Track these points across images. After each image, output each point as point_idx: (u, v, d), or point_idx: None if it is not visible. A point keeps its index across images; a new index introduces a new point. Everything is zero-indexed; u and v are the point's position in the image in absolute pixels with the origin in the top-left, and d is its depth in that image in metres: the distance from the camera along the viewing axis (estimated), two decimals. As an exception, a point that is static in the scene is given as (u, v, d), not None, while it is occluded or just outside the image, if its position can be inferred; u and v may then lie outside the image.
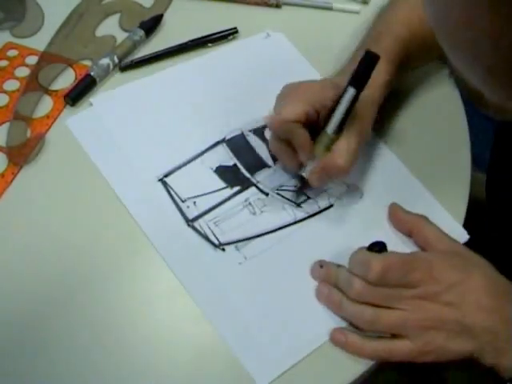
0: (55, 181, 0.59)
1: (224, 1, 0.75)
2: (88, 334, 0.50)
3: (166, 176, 0.60)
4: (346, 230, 0.58)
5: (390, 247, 0.52)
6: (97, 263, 0.54)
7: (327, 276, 0.53)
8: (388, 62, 0.59)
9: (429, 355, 0.49)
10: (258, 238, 0.57)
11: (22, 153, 0.60)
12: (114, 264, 0.54)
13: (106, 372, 0.49)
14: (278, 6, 0.75)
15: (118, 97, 0.65)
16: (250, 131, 0.63)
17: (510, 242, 0.68)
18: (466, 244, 0.57)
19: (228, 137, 0.63)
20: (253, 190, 0.59)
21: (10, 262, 0.54)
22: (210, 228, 0.57)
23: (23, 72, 0.66)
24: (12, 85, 0.65)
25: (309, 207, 0.59)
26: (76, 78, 0.66)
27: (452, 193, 0.61)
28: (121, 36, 0.70)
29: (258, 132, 0.63)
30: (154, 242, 0.55)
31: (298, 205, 0.59)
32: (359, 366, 0.50)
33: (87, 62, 0.68)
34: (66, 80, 0.66)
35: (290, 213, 0.58)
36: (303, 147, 0.54)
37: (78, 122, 0.63)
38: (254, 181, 0.60)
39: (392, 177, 0.62)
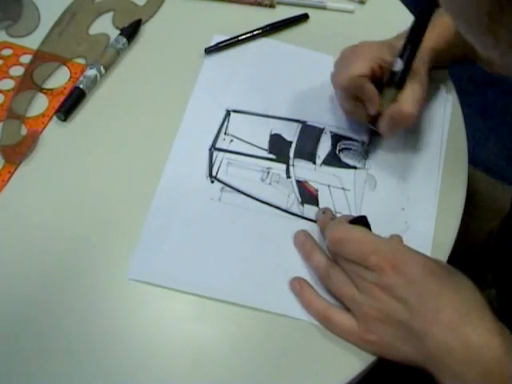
0: (52, 179, 0.59)
1: (217, 0, 0.76)
2: (85, 332, 0.51)
3: (234, 111, 0.64)
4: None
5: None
6: (96, 261, 0.54)
7: (322, 222, 0.56)
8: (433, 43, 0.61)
9: (372, 345, 0.48)
10: (245, 197, 0.59)
11: (17, 151, 0.60)
12: (113, 262, 0.54)
13: (104, 370, 0.49)
14: (271, 5, 0.75)
15: (250, 52, 0.71)
16: (331, 132, 0.64)
17: None
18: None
19: (309, 123, 0.65)
20: (282, 167, 0.61)
21: (8, 261, 0.54)
22: (220, 162, 0.60)
23: (18, 71, 0.66)
24: (7, 84, 0.65)
25: (308, 212, 0.58)
26: (71, 76, 0.66)
27: (450, 192, 0.61)
28: (114, 34, 0.70)
29: (335, 138, 0.63)
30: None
31: (302, 203, 0.59)
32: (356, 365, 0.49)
33: (81, 60, 0.68)
34: (60, 78, 0.66)
35: (289, 202, 0.59)
36: (372, 100, 0.58)
37: (212, 62, 0.69)
38: (291, 161, 0.61)
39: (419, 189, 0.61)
